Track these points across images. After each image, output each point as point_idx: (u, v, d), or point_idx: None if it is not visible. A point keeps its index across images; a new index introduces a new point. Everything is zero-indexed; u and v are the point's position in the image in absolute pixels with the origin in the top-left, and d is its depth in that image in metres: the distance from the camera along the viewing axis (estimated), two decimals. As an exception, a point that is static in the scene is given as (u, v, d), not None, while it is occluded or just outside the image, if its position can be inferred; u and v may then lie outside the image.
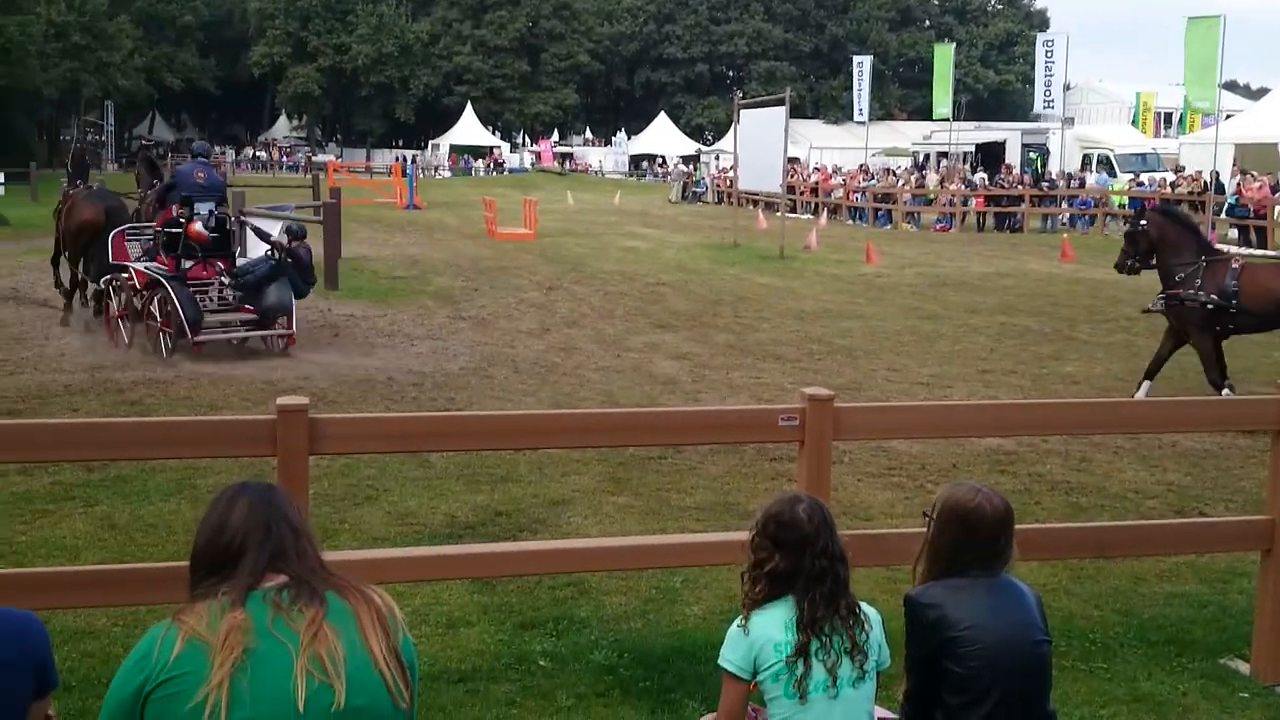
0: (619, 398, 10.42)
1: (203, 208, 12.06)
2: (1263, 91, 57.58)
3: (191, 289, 11.84)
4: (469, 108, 72.67)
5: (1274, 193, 27.96)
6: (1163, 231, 10.79)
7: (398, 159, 63.29)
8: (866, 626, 3.07)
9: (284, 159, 73.24)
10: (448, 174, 67.38)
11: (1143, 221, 11.09)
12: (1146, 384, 10.60)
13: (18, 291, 16.30)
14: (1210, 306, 10.22)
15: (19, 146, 52.47)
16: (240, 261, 12.89)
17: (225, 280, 12.28)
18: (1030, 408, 5.66)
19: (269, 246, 12.53)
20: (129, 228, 12.88)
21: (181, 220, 11.92)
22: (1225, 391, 10.10)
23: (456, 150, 70.88)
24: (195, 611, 2.29)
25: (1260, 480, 7.30)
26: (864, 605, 3.11)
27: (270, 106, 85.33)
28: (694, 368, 12.02)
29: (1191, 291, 10.34)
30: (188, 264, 11.96)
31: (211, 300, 12.21)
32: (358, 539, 6.39)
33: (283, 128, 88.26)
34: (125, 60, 64.23)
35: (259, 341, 12.33)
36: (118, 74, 63.51)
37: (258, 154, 75.79)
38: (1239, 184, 28.97)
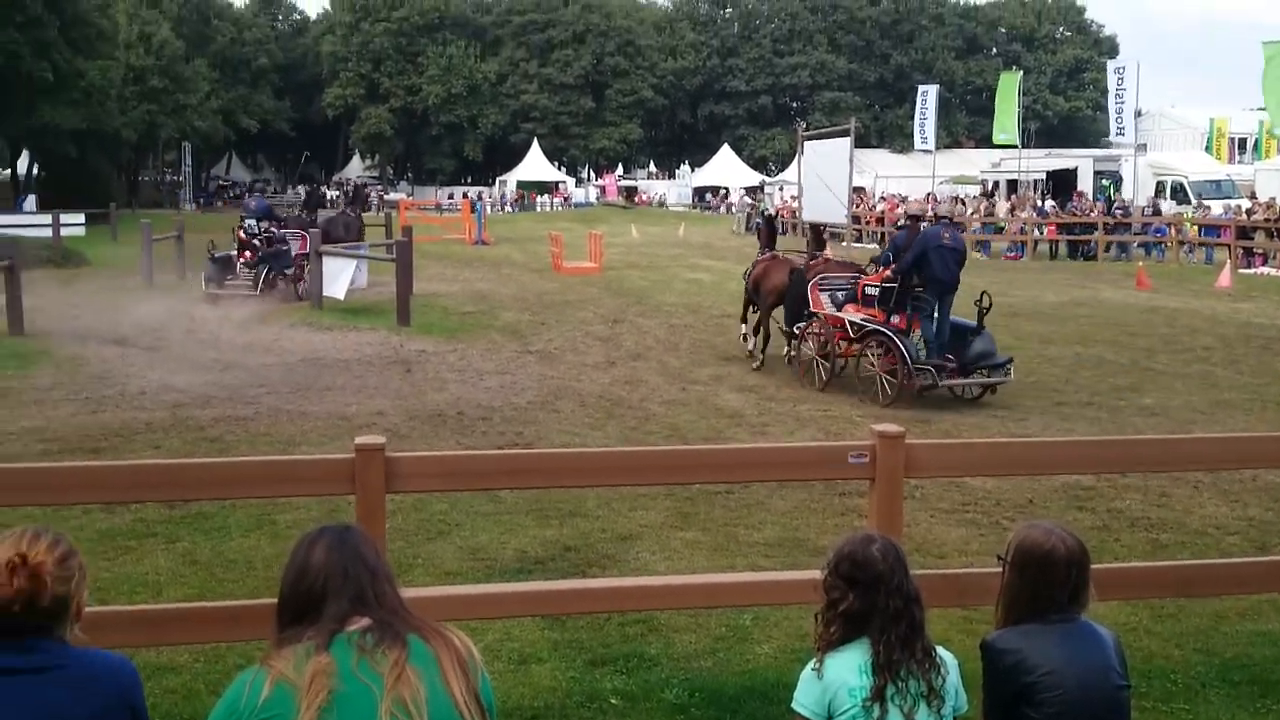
0: (685, 431, 10.43)
1: None
2: (1342, 114, 56.22)
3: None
4: (535, 144, 73.57)
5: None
6: None
7: (465, 195, 64.12)
8: (943, 671, 3.03)
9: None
10: (512, 210, 68.14)
11: None
12: None
13: (99, 330, 16.73)
14: None
15: (100, 188, 53.99)
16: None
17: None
18: (1107, 444, 5.58)
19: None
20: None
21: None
22: None
23: (523, 186, 71.68)
24: (282, 656, 2.35)
25: (1348, 516, 7.10)
26: (941, 649, 3.08)
27: (344, 146, 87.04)
28: (760, 400, 11.99)
29: None
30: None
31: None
32: (431, 574, 6.45)
33: (356, 167, 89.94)
34: (202, 103, 66.00)
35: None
36: (194, 116, 65.23)
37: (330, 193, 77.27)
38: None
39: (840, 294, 13.30)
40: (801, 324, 13.48)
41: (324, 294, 19.01)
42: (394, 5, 76.74)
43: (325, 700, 2.25)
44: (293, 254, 20.89)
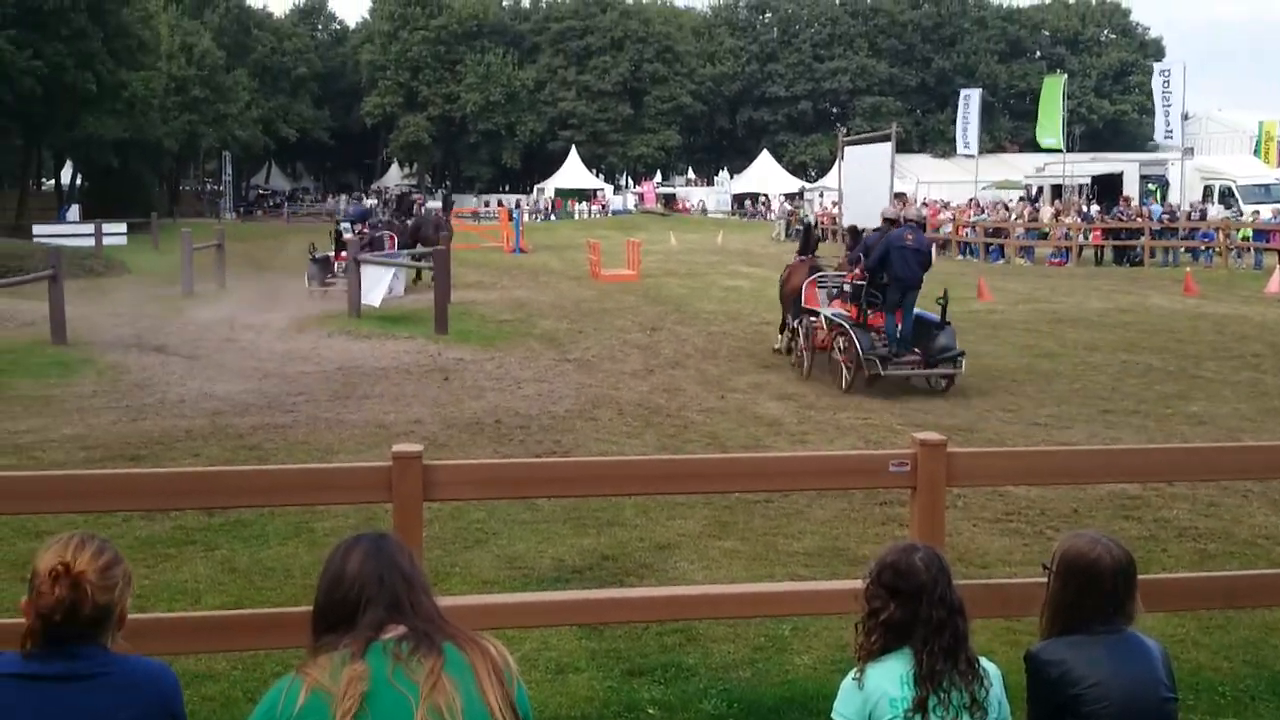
0: (724, 439, 10.37)
1: None
2: (1395, 116, 55.29)
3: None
4: (573, 151, 73.76)
5: None
6: None
7: (501, 203, 64.46)
8: (986, 682, 2.98)
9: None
10: (553, 218, 68.39)
11: None
12: None
13: (140, 338, 16.93)
14: None
15: (142, 197, 54.78)
16: None
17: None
18: (1153, 452, 5.48)
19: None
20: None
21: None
22: None
23: (561, 193, 71.89)
24: (318, 664, 2.35)
25: (1404, 526, 6.93)
26: (984, 660, 3.02)
27: (382, 155, 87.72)
28: (799, 408, 11.91)
29: None
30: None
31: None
32: (468, 583, 6.44)
33: (394, 175, 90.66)
34: (242, 112, 66.84)
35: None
36: (235, 125, 66.07)
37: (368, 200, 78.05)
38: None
39: (835, 291, 14.34)
40: (797, 319, 14.69)
41: (362, 303, 19.13)
42: (432, 14, 77.30)
43: (358, 706, 2.24)
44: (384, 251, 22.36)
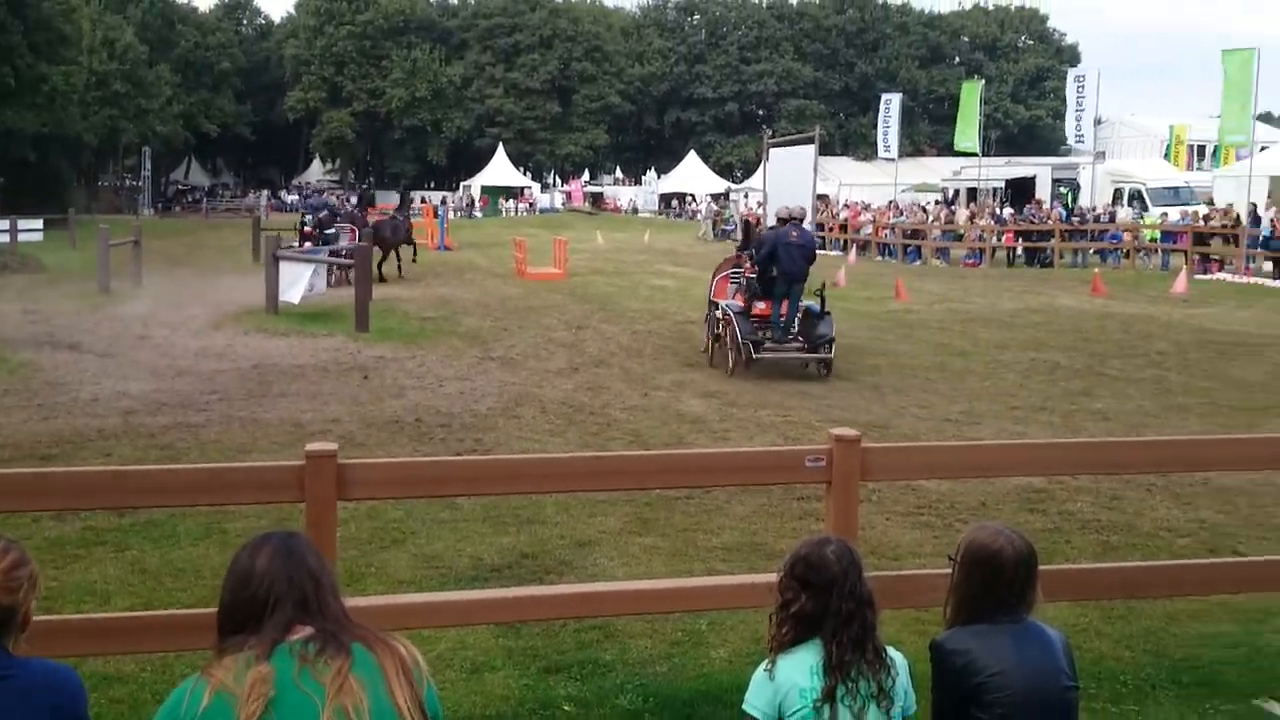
0: (647, 437, 10.42)
1: None
2: (1297, 123, 57.20)
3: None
4: (500, 149, 73.36)
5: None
6: None
7: (424, 200, 63.92)
8: (893, 671, 3.04)
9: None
10: (478, 214, 67.98)
11: None
12: None
13: (53, 336, 16.53)
14: None
15: (59, 193, 53.41)
16: None
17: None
18: (1059, 447, 5.62)
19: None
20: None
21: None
22: None
23: (488, 191, 71.48)
24: (223, 665, 2.32)
25: (1296, 518, 7.19)
26: (891, 650, 3.08)
27: (305, 150, 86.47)
28: (722, 406, 12.00)
29: None
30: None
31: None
32: (384, 583, 6.40)
33: (316, 171, 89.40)
34: (163, 107, 65.53)
35: None
36: (156, 120, 64.74)
37: (288, 196, 77.07)
38: (1274, 217, 28.74)
39: (742, 283, 15.13)
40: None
41: (280, 299, 18.85)
42: (359, 9, 76.36)
43: (262, 709, 2.22)
44: (343, 244, 23.97)
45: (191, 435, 10.19)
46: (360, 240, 23.91)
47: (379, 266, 24.63)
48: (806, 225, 19.26)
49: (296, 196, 76.74)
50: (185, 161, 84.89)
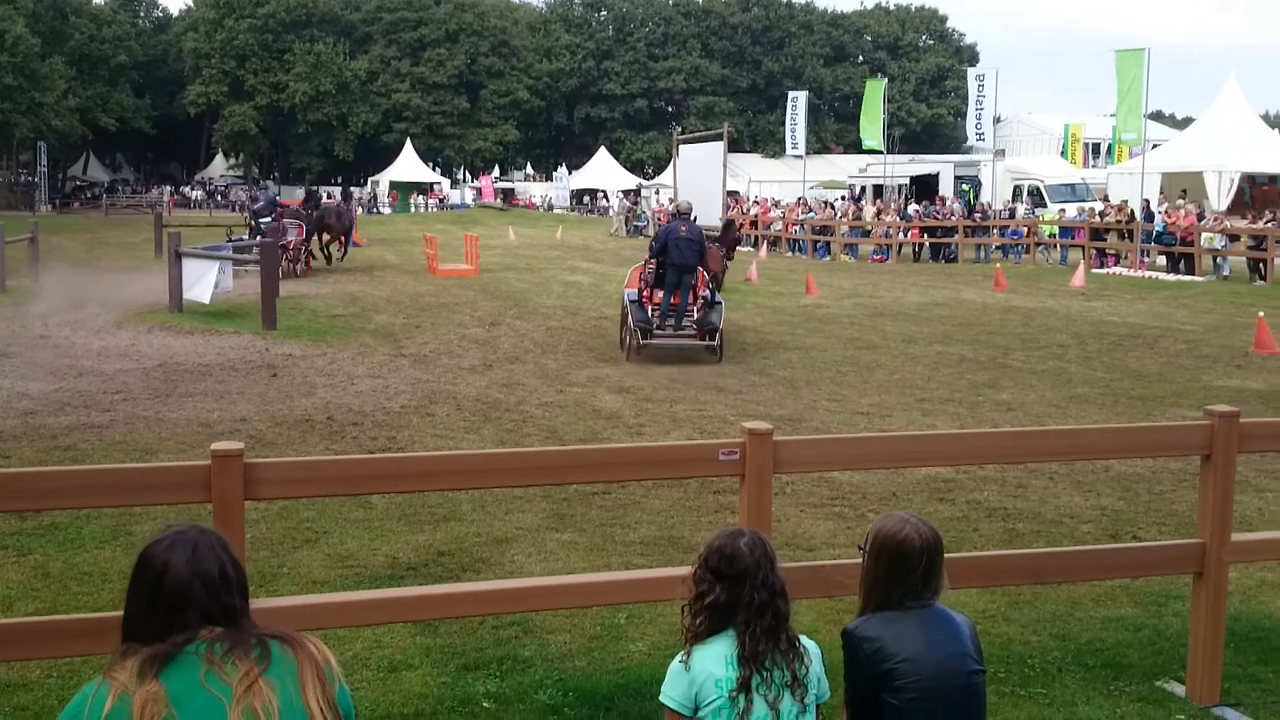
0: (562, 433, 10.42)
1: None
2: (1188, 121, 59.25)
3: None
4: (409, 144, 72.52)
5: (1199, 220, 28.71)
6: None
7: (328, 195, 62.88)
8: (806, 660, 3.09)
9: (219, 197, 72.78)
10: (387, 210, 67.11)
11: None
12: None
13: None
14: None
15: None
16: None
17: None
18: (966, 437, 5.75)
19: None
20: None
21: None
22: None
23: (397, 187, 70.62)
24: (125, 667, 2.26)
25: (1192, 503, 7.46)
26: (804, 639, 3.13)
27: (207, 145, 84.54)
28: (637, 401, 12.05)
29: None
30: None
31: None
32: (297, 584, 6.31)
33: (219, 166, 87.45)
34: (59, 101, 63.49)
35: None
36: (51, 114, 62.73)
37: (191, 192, 75.34)
38: (1166, 212, 29.72)
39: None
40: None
41: (185, 297, 18.42)
42: (259, 1, 74.81)
43: (166, 710, 2.17)
44: (290, 240, 25.36)
45: (95, 436, 9.93)
46: (307, 234, 26.47)
47: (325, 249, 28.21)
48: (716, 221, 19.86)
49: (201, 193, 75.18)
50: (83, 157, 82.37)
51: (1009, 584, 5.85)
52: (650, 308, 15.46)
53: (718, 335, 15.04)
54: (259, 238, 23.13)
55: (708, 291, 15.62)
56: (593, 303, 21.58)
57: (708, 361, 14.89)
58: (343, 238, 29.31)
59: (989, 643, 4.95)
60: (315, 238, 27.97)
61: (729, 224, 23.08)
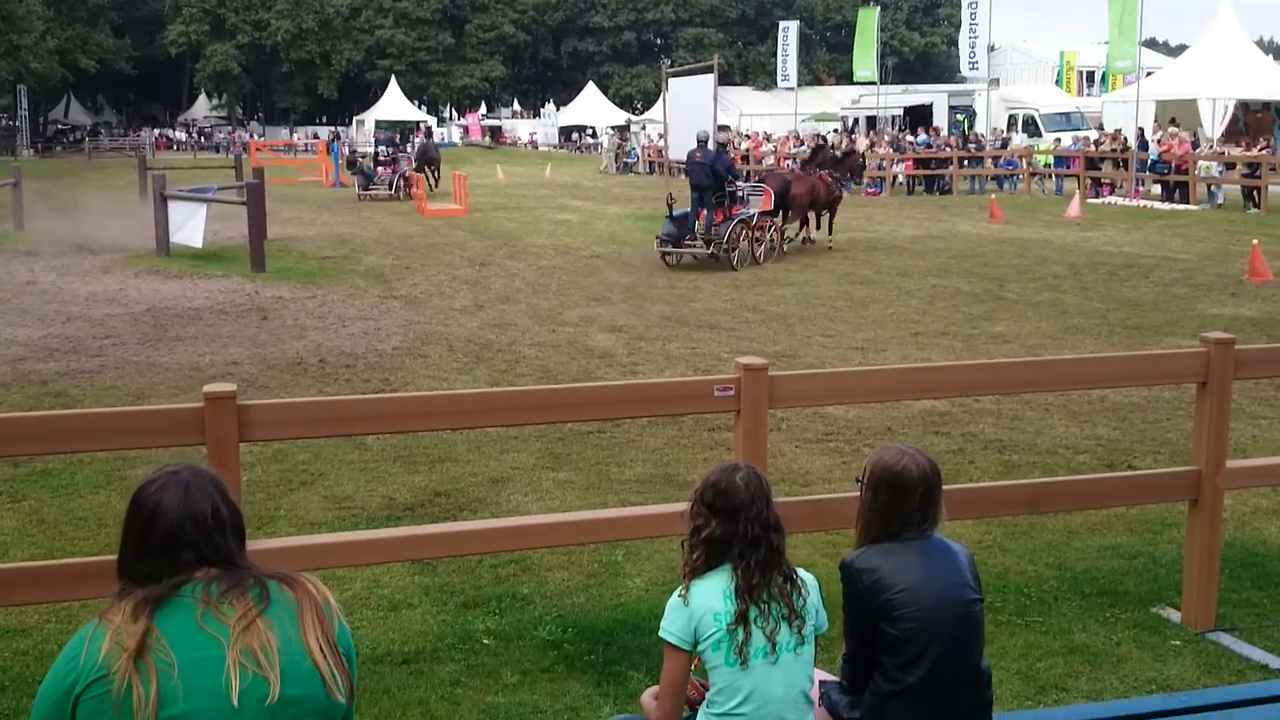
0: (555, 373, 10.39)
1: None
2: (1182, 48, 58.67)
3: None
4: (393, 82, 71.60)
5: (1194, 148, 28.53)
6: None
7: (316, 136, 62.35)
8: (804, 592, 3.10)
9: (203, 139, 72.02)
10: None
11: None
12: None
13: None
14: None
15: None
16: None
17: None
18: (960, 369, 5.72)
19: None
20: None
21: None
22: None
23: (382, 126, 69.85)
24: (120, 609, 2.24)
25: (1187, 431, 7.48)
26: (801, 571, 3.13)
27: (189, 86, 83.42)
28: (630, 340, 12.01)
29: None
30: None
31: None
32: (294, 525, 6.31)
33: (202, 107, 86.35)
34: (37, 43, 62.40)
35: None
36: (30, 57, 61.71)
37: (175, 134, 74.49)
38: (1160, 140, 29.52)
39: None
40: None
41: (175, 240, 18.26)
42: (239, -63, 73.47)
43: (131, 666, 2.15)
44: (404, 169, 32.48)
45: (86, 381, 9.89)
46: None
47: (431, 177, 33.65)
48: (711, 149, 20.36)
49: (186, 134, 74.27)
50: (64, 100, 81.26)
51: (1006, 514, 5.87)
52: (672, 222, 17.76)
53: (716, 246, 17.23)
54: (379, 166, 32.45)
55: (752, 212, 18.03)
56: (583, 241, 21.45)
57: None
58: (437, 167, 35.09)
59: (986, 572, 4.97)
60: (425, 169, 33.52)
61: (850, 152, 23.96)
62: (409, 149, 35.89)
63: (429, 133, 47.69)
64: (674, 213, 17.78)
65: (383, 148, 34.26)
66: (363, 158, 35.01)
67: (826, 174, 20.72)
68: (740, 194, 18.42)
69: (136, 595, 2.25)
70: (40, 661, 4.67)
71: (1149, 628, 5.06)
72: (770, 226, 18.70)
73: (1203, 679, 4.56)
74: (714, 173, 17.49)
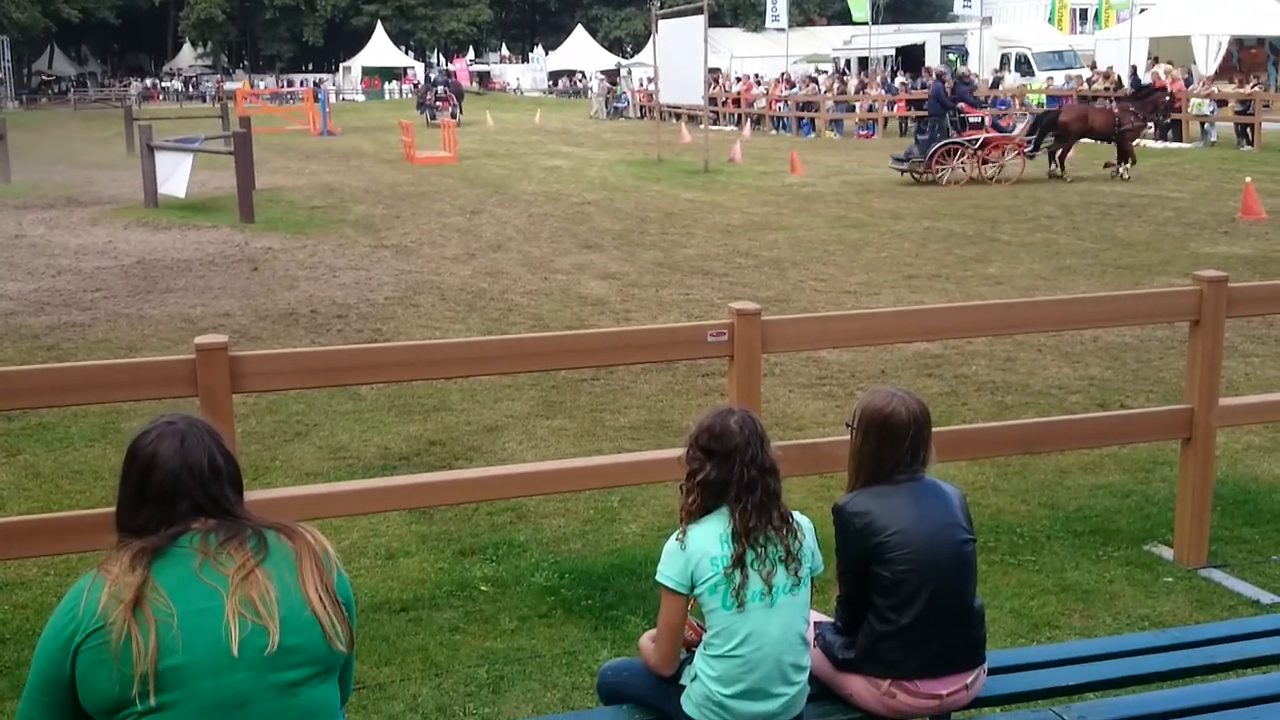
0: (548, 321, 10.38)
1: None
2: (1175, -16, 57.93)
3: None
4: (379, 27, 70.76)
5: (1187, 85, 28.33)
6: None
7: (303, 83, 61.67)
8: (799, 535, 3.11)
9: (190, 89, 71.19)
10: (361, 97, 65.87)
11: None
12: None
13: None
14: None
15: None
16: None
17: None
18: (953, 311, 5.71)
19: None
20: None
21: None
22: None
23: (369, 73, 69.16)
24: (119, 559, 2.25)
25: (1179, 370, 7.50)
26: (796, 514, 3.15)
27: (174, 34, 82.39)
28: (623, 287, 11.99)
29: None
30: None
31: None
32: (290, 476, 6.33)
33: (187, 56, 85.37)
34: (17, -9, 61.58)
35: None
36: (11, 7, 60.94)
37: (162, 84, 73.60)
38: (1153, 77, 29.29)
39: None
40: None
41: (160, 192, 18.12)
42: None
43: (130, 616, 2.15)
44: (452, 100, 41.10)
45: (78, 335, 9.86)
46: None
47: (457, 107, 40.99)
48: (699, 100, 20.18)
49: (178, 83, 73.38)
50: (48, 50, 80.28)
51: (1000, 454, 5.90)
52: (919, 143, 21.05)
53: (916, 160, 20.72)
54: (438, 100, 41.00)
55: (975, 138, 20.44)
56: (575, 188, 21.32)
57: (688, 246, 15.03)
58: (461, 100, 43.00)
59: (979, 513, 5.00)
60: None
61: (1149, 88, 23.69)
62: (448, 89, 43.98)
63: (449, 74, 55.46)
64: (918, 136, 21.13)
65: (441, 87, 43.63)
66: (428, 95, 43.69)
67: (1123, 107, 21.34)
68: (975, 120, 20.77)
69: (134, 546, 2.26)
70: (40, 614, 4.70)
71: (1141, 565, 5.11)
72: (1010, 150, 20.58)
73: (1194, 615, 4.61)
74: (939, 101, 20.19)
